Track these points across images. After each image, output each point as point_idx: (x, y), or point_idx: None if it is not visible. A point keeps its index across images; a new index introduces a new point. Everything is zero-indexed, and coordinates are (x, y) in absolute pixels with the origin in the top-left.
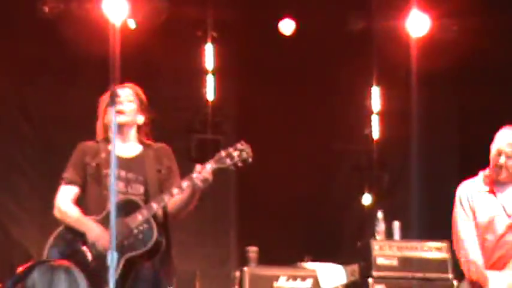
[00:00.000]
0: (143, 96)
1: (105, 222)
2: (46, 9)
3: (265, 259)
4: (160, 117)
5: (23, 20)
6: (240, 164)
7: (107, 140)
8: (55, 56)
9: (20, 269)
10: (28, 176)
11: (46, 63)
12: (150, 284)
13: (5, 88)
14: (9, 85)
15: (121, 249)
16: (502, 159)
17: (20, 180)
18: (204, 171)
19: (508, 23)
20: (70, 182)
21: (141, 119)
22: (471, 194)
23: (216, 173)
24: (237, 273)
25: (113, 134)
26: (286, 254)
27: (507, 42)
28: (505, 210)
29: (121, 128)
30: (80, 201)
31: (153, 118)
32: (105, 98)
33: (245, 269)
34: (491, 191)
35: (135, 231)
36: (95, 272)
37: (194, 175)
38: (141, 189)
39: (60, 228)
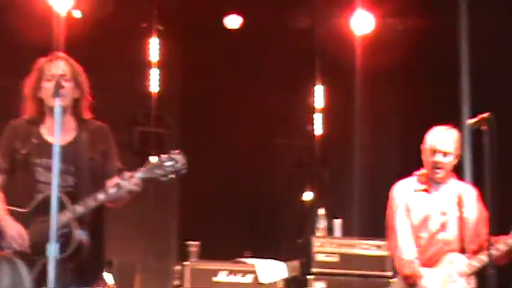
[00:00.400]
0: (77, 68)
1: (30, 216)
2: None
3: (206, 254)
4: (103, 109)
5: None
6: (171, 176)
7: (39, 120)
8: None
9: None
10: None
11: None
12: (74, 283)
13: None
14: None
15: (39, 252)
16: (438, 157)
17: None
18: (132, 180)
19: (450, 22)
20: None
21: (76, 93)
22: (406, 193)
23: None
24: (178, 267)
25: (56, 128)
26: (227, 249)
27: (449, 42)
28: (438, 208)
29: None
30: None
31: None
32: (36, 69)
33: (186, 263)
34: (426, 190)
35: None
36: None
37: (122, 183)
38: (71, 180)
39: None
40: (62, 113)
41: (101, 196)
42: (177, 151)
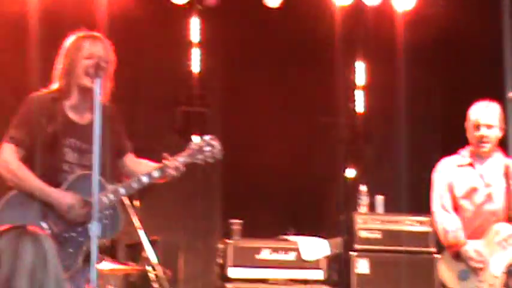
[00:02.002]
0: (111, 53)
1: None
2: None
3: (250, 232)
4: (146, 89)
5: None
6: (210, 160)
7: (62, 96)
8: (39, 22)
9: None
10: None
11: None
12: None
13: None
14: None
15: (86, 234)
16: (483, 131)
17: None
18: (175, 165)
19: None
20: (19, 144)
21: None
22: (449, 169)
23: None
24: (221, 246)
25: (96, 111)
26: (270, 226)
27: (491, 18)
28: (483, 180)
29: (86, 90)
30: None
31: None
32: (74, 44)
33: (229, 241)
34: (471, 164)
35: (101, 215)
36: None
37: (166, 167)
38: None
39: (12, 194)
40: (87, 92)
41: (144, 179)
42: (213, 136)
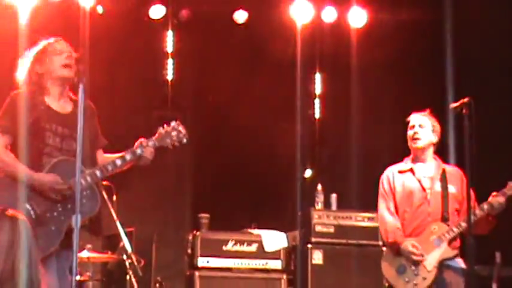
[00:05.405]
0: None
1: None
2: None
3: (216, 225)
4: (125, 95)
5: None
6: (177, 144)
7: (41, 91)
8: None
9: None
10: None
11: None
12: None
13: None
14: None
15: (66, 213)
16: (415, 129)
17: None
18: (147, 148)
19: (436, 15)
20: (5, 131)
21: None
22: (392, 174)
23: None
24: (191, 237)
25: (79, 108)
26: (235, 220)
27: (436, 34)
28: (421, 184)
29: (64, 81)
30: None
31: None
32: (43, 47)
33: (197, 233)
34: (411, 170)
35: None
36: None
37: (138, 151)
38: (74, 145)
39: None
40: (65, 84)
41: (118, 161)
42: (178, 122)
